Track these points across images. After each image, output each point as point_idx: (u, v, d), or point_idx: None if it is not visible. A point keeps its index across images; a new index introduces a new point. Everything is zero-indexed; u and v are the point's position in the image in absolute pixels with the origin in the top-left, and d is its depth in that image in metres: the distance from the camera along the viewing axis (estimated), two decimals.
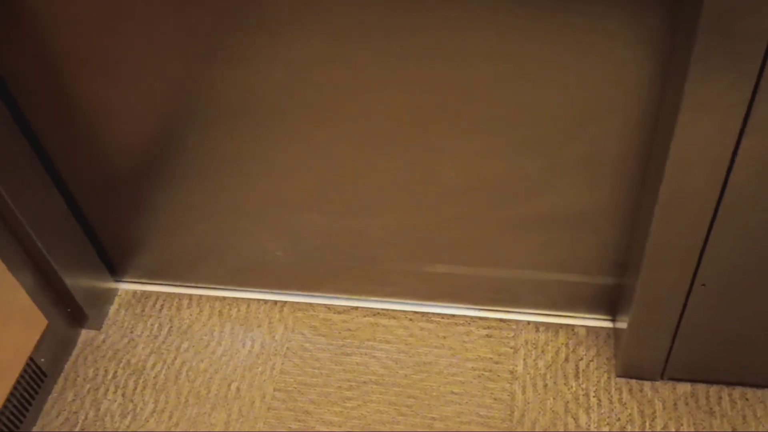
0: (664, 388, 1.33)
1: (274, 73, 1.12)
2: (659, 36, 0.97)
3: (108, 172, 1.36)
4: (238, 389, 1.41)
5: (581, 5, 0.97)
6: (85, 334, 1.52)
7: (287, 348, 1.46)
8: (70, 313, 1.49)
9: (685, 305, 1.18)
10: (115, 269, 1.58)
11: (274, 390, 1.40)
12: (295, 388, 1.40)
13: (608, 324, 1.42)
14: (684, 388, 1.32)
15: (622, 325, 1.31)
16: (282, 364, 1.44)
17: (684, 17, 0.91)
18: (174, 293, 1.57)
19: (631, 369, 1.33)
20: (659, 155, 1.02)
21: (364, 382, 1.39)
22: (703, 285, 1.14)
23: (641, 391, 1.33)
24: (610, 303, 1.39)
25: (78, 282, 1.45)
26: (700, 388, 1.32)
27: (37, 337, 1.39)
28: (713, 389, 1.31)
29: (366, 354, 1.43)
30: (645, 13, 0.96)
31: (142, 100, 1.21)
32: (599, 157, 1.15)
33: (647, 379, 1.34)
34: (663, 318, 1.21)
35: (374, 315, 1.48)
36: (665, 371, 1.32)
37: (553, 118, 1.11)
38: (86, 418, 1.40)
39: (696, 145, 0.96)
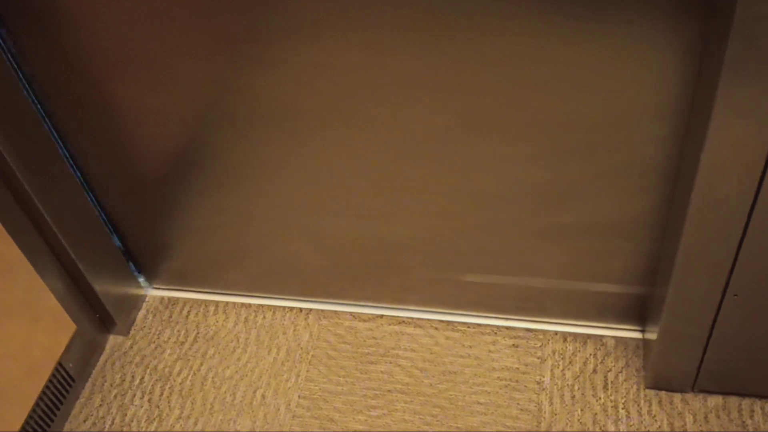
0: (695, 400, 1.30)
1: (305, 78, 1.13)
2: (691, 42, 0.96)
3: (136, 178, 1.37)
4: (263, 396, 1.41)
5: (613, 12, 0.96)
6: (113, 339, 1.53)
7: (312, 355, 1.46)
8: (99, 318, 1.50)
9: (716, 316, 1.16)
10: (143, 274, 1.59)
11: (299, 397, 1.40)
12: (320, 395, 1.40)
13: (637, 335, 1.40)
14: (715, 400, 1.30)
15: (651, 335, 1.29)
16: (307, 371, 1.43)
17: (716, 23, 0.90)
18: (201, 300, 1.57)
19: (661, 380, 1.31)
20: (691, 162, 1.01)
21: (389, 391, 1.38)
22: (735, 295, 1.12)
23: (671, 403, 1.30)
24: (639, 313, 1.37)
25: (106, 287, 1.47)
26: (732, 400, 1.29)
27: (65, 341, 1.40)
28: (745, 402, 1.29)
29: (391, 363, 1.42)
30: (676, 19, 0.95)
31: (173, 104, 1.22)
32: (630, 164, 1.13)
33: (677, 391, 1.31)
34: (694, 329, 1.19)
35: (399, 323, 1.48)
36: (696, 383, 1.29)
37: (584, 126, 1.10)
38: (113, 423, 1.41)
39: (728, 151, 0.94)
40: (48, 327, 1.36)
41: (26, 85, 1.22)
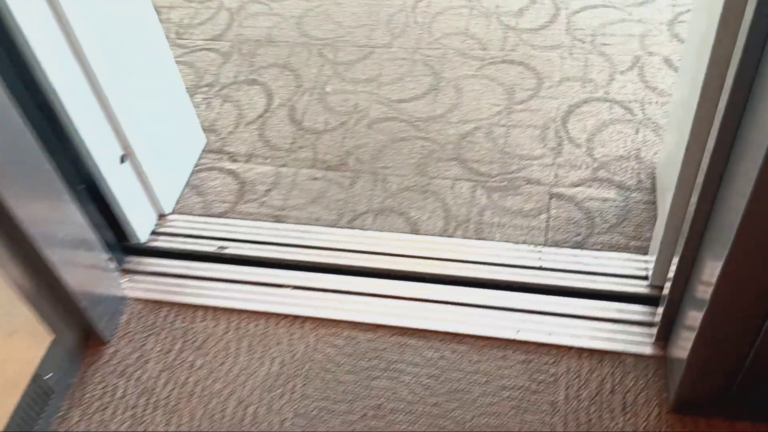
0: (722, 425, 1.21)
1: None
2: None
3: None
4: (255, 413, 1.31)
5: None
6: (93, 347, 1.43)
7: (308, 368, 1.35)
8: (78, 325, 1.40)
9: (755, 341, 1.06)
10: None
11: (294, 416, 1.30)
12: (317, 414, 1.30)
13: (660, 352, 1.29)
14: (743, 426, 1.20)
15: (678, 353, 1.19)
16: (303, 386, 1.33)
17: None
18: (187, 304, 1.47)
19: (686, 404, 1.22)
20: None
21: (391, 411, 1.28)
22: None
23: (696, 428, 1.21)
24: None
25: (85, 291, 1.36)
26: (762, 427, 1.20)
27: (42, 352, 1.31)
28: None
29: (393, 378, 1.32)
30: None
31: None
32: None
33: (703, 416, 1.22)
34: (728, 354, 1.09)
35: (402, 334, 1.37)
36: (724, 407, 1.20)
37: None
38: None
39: None
40: (23, 337, 1.26)
41: None
